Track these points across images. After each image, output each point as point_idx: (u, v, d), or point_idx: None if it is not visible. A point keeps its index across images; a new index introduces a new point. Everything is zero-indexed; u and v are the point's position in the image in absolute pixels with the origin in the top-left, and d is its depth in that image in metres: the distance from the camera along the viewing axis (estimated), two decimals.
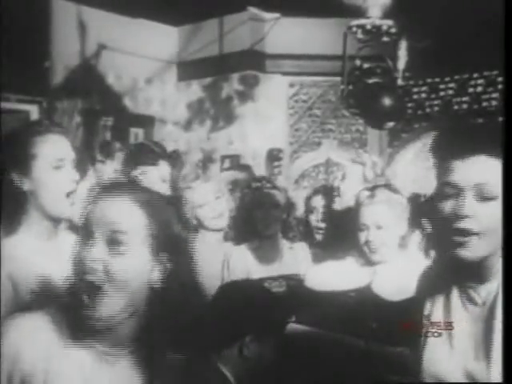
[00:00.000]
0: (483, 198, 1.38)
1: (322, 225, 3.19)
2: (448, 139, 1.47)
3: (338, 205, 3.03)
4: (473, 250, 1.39)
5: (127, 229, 1.24)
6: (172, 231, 1.31)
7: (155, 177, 2.50)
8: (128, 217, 1.25)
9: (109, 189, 1.29)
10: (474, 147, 1.39)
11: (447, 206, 1.41)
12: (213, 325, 2.03)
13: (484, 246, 1.39)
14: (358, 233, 2.51)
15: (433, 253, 1.58)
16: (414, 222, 2.50)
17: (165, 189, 2.49)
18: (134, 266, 1.23)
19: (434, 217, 1.48)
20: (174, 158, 2.55)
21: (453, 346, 1.49)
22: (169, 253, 1.28)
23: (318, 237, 3.21)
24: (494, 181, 1.37)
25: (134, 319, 1.26)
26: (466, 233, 1.38)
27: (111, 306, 1.21)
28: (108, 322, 1.22)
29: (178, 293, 1.28)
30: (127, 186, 1.33)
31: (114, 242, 1.22)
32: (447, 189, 1.42)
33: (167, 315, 1.28)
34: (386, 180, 2.88)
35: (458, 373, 1.46)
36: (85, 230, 1.24)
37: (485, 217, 1.38)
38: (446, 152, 1.43)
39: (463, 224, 1.38)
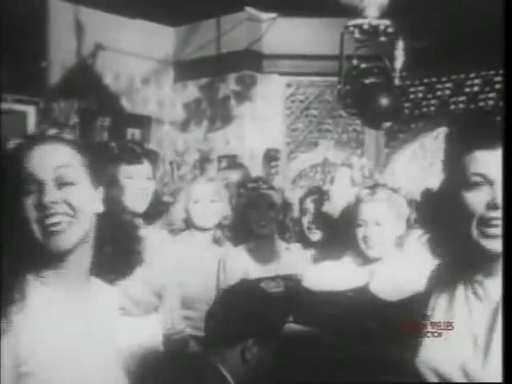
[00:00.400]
0: None
1: (314, 226, 3.19)
2: (474, 131, 1.44)
3: (328, 207, 3.03)
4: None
5: (69, 164, 1.33)
6: (105, 169, 1.46)
7: (141, 174, 2.56)
8: (65, 156, 1.34)
9: (39, 139, 1.36)
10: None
11: (475, 197, 1.39)
12: (214, 327, 2.04)
13: None
14: (356, 229, 2.52)
15: (440, 249, 1.54)
16: (420, 218, 2.49)
17: (151, 185, 2.57)
18: (85, 197, 1.34)
19: (448, 210, 1.44)
20: (154, 157, 2.64)
21: (450, 341, 1.48)
22: (104, 187, 1.42)
23: (312, 238, 3.21)
24: None
25: (83, 247, 1.35)
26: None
27: (74, 236, 1.31)
28: (69, 252, 1.32)
29: (112, 219, 1.43)
30: (57, 135, 1.40)
31: (62, 179, 1.31)
32: (477, 179, 1.38)
33: (106, 241, 1.41)
34: (375, 182, 2.88)
35: (454, 366, 1.46)
36: (31, 180, 1.30)
37: None
38: (471, 143, 1.40)
39: (499, 214, 1.35)
